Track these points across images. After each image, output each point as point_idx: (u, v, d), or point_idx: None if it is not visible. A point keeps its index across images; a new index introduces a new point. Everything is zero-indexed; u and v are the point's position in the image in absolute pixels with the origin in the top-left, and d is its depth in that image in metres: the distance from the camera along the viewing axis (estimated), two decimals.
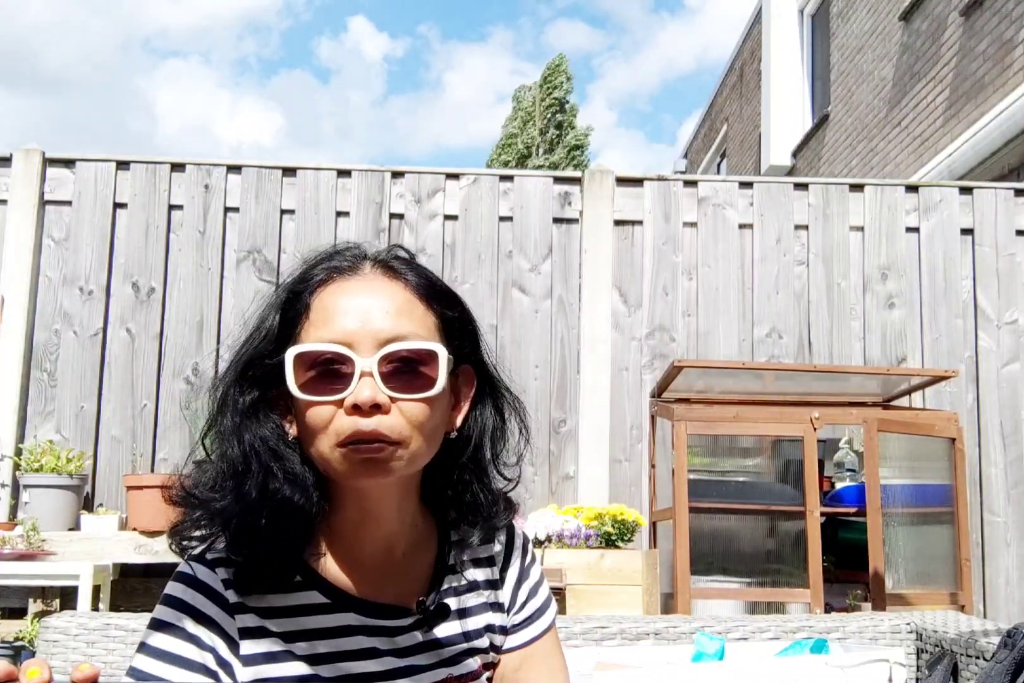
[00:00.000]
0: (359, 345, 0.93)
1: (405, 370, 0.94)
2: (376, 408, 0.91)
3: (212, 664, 0.93)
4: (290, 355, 0.93)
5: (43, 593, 3.44)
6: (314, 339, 0.94)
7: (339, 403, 0.92)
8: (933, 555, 3.48)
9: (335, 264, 0.99)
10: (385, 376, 0.92)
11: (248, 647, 0.95)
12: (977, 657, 1.70)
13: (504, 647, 1.10)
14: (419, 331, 0.96)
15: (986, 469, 3.91)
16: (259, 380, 0.97)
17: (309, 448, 0.95)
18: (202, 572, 0.97)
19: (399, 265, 1.00)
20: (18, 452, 3.68)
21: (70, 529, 3.51)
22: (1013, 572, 3.85)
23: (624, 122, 49.28)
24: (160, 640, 0.94)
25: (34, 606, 3.44)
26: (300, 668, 0.95)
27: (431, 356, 0.95)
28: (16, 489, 3.67)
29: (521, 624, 1.11)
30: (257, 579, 0.96)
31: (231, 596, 0.96)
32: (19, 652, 3.28)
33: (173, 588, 0.97)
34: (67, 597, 3.37)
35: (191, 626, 0.94)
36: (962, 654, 1.75)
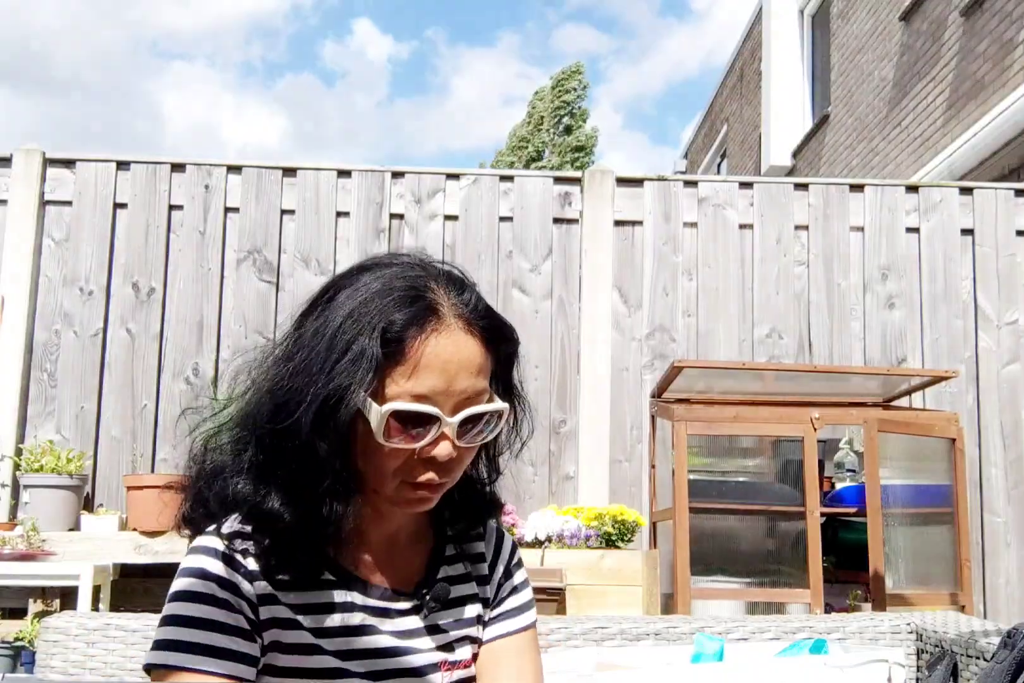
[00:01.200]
0: (443, 403, 0.99)
1: (472, 422, 1.02)
2: (449, 460, 1.01)
3: (244, 624, 0.99)
4: (386, 411, 0.97)
5: (43, 593, 3.44)
6: (404, 390, 0.98)
7: (415, 450, 1.00)
8: (933, 555, 3.48)
9: (425, 305, 1.01)
10: (461, 432, 1.01)
11: (264, 612, 1.01)
12: (977, 657, 1.70)
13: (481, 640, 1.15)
14: (487, 384, 1.03)
15: (986, 469, 3.91)
16: (323, 399, 0.99)
17: (362, 469, 1.02)
18: (219, 544, 1.02)
19: (475, 315, 1.03)
20: (18, 452, 3.68)
21: (70, 529, 3.51)
22: (1013, 572, 3.85)
23: (629, 125, 49.54)
24: (190, 608, 0.98)
25: (34, 606, 3.44)
26: (306, 637, 1.01)
27: (497, 413, 1.04)
28: (16, 489, 3.67)
29: (495, 618, 1.15)
30: (280, 566, 1.02)
31: (250, 564, 1.01)
32: (19, 652, 3.28)
33: (191, 561, 1.02)
34: (67, 597, 3.37)
35: (219, 591, 0.99)
36: (962, 654, 1.75)
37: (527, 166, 19.26)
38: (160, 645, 0.98)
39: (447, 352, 0.99)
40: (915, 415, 3.61)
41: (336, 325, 0.99)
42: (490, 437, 1.05)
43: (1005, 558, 3.86)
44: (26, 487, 3.56)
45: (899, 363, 3.99)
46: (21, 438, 3.79)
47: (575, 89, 20.03)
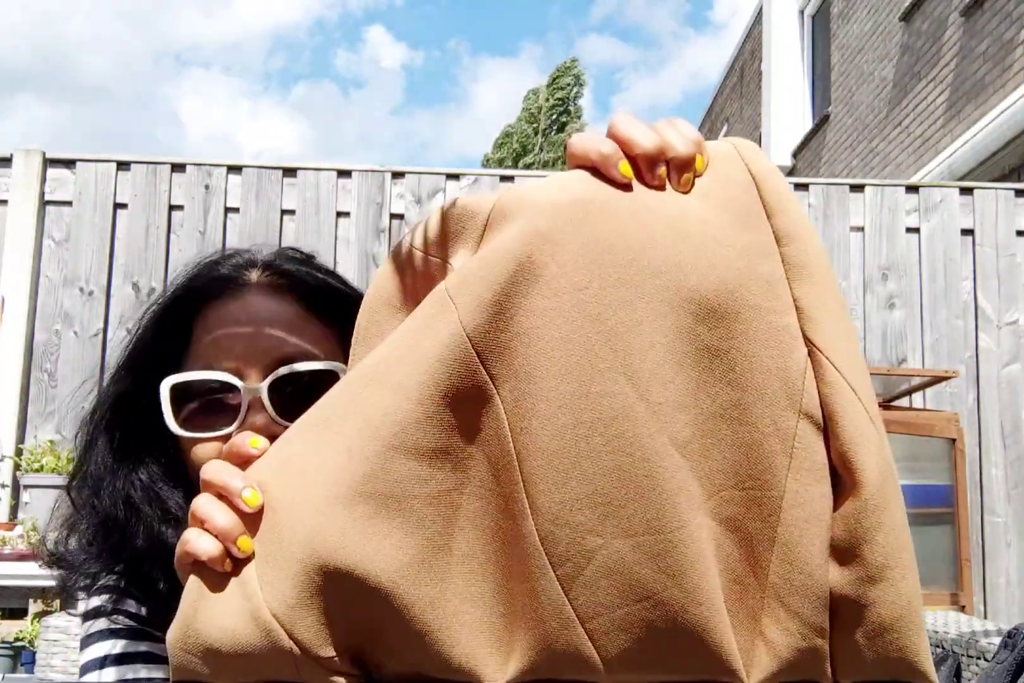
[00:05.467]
0: (248, 372, 0.82)
1: (303, 396, 0.76)
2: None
3: None
4: (165, 387, 0.82)
5: (43, 593, 3.44)
6: (199, 367, 0.83)
7: (227, 438, 0.80)
8: (933, 555, 3.47)
9: (216, 277, 0.89)
10: (280, 404, 0.81)
11: None
12: (978, 657, 1.70)
13: None
14: (314, 350, 0.85)
15: (987, 469, 3.91)
16: (136, 412, 0.87)
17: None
18: (109, 599, 0.90)
19: (290, 273, 0.90)
20: (18, 452, 3.68)
21: None
22: (1013, 572, 3.84)
23: None
24: (122, 672, 0.86)
25: (34, 606, 3.44)
26: None
27: (331, 377, 0.82)
28: (16, 489, 3.66)
29: None
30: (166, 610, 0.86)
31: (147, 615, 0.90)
32: (19, 652, 3.28)
33: (99, 623, 0.90)
34: (67, 597, 3.36)
35: (147, 646, 0.88)
36: (963, 655, 1.75)
37: (515, 162, 19.16)
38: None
39: (245, 315, 0.85)
40: (915, 415, 3.61)
41: (136, 326, 0.90)
42: None
43: (1005, 558, 3.86)
44: (26, 487, 3.55)
45: (899, 363, 3.99)
46: (21, 438, 3.79)
47: (569, 85, 19.88)
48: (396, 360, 0.56)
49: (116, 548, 0.86)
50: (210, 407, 0.82)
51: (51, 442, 3.66)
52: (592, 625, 0.54)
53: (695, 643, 0.54)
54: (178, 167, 4.01)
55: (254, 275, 0.90)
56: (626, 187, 0.58)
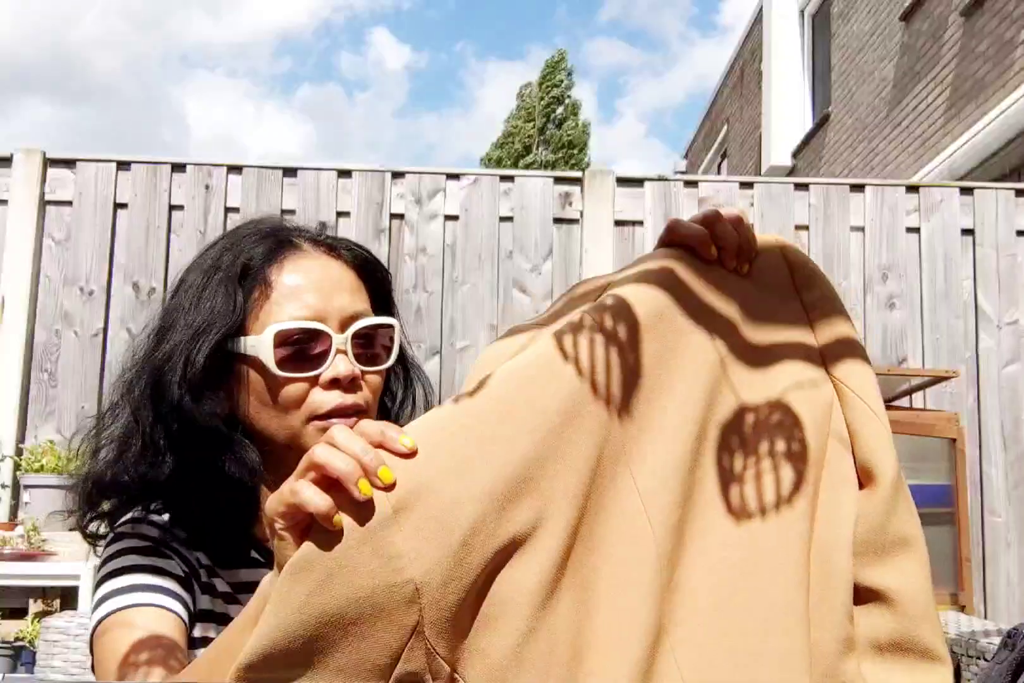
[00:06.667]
0: (329, 322, 0.96)
1: (366, 344, 0.99)
2: (353, 382, 0.96)
3: (179, 571, 0.96)
4: (270, 333, 0.94)
5: (43, 593, 3.44)
6: (286, 316, 0.96)
7: (314, 379, 0.95)
8: (933, 555, 3.44)
9: (279, 239, 1.01)
10: (356, 351, 0.98)
11: (203, 575, 0.98)
12: (978, 658, 1.70)
13: None
14: (368, 306, 1.01)
15: (987, 469, 3.91)
16: (208, 357, 0.96)
17: (269, 422, 0.97)
18: (143, 517, 1.00)
19: (338, 241, 1.04)
20: (19, 452, 3.68)
21: (70, 529, 3.51)
22: (1014, 573, 3.84)
23: (653, 133, 50.75)
24: (133, 579, 0.95)
25: (34, 606, 3.44)
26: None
27: (388, 329, 1.01)
28: (16, 489, 3.66)
29: None
30: (199, 546, 0.99)
31: (180, 533, 0.99)
32: (19, 652, 3.28)
33: (121, 536, 1.00)
34: (67, 597, 3.37)
35: (158, 561, 0.96)
36: (963, 655, 1.75)
37: (516, 162, 19.08)
38: (96, 604, 0.97)
39: (315, 272, 0.98)
40: (915, 415, 3.60)
41: (196, 283, 0.98)
42: (390, 361, 1.01)
43: (1005, 558, 3.86)
44: (26, 487, 3.55)
45: (899, 363, 3.98)
46: (21, 438, 3.79)
47: (562, 82, 19.70)
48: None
49: (181, 474, 0.96)
50: (299, 351, 0.95)
51: (51, 442, 3.66)
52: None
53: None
54: (178, 167, 4.01)
55: (306, 241, 1.02)
56: (710, 267, 0.79)
